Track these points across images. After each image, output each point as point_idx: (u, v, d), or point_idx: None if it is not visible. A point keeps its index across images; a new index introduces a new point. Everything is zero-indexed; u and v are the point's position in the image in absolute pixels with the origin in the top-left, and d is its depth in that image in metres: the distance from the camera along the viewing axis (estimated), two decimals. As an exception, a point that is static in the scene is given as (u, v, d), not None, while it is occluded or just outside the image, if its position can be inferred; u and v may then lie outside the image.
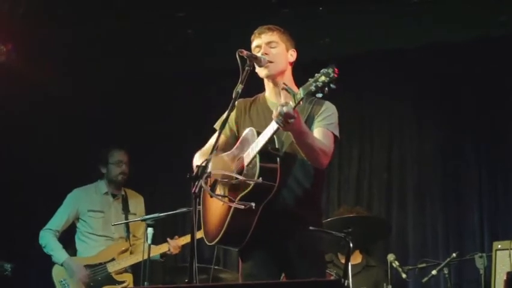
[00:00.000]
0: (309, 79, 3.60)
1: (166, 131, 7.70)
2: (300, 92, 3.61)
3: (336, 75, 3.52)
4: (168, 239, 6.41)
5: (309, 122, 4.05)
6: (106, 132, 7.77)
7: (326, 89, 3.54)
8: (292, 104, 3.64)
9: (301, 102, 3.65)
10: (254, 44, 4.21)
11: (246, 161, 3.96)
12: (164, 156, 7.66)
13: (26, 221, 7.26)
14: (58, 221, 6.55)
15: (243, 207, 3.78)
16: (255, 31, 4.24)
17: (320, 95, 3.59)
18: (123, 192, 6.73)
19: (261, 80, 4.24)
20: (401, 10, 6.35)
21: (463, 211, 6.74)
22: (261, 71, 4.14)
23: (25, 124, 7.51)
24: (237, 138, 4.22)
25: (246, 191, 3.83)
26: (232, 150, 4.16)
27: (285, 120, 3.65)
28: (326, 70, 3.54)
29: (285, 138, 3.99)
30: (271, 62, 4.11)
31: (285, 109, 3.63)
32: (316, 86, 3.54)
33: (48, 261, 6.46)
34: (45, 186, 7.64)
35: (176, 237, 6.46)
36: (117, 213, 6.62)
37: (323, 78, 3.53)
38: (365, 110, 7.27)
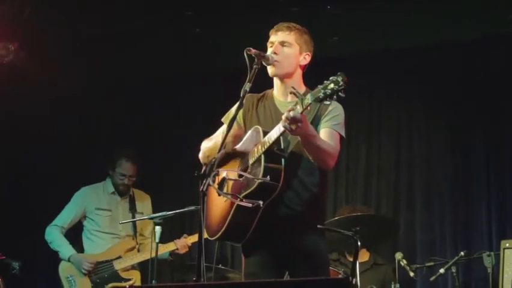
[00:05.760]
0: (318, 86, 3.59)
1: (174, 129, 7.72)
2: (308, 98, 3.60)
3: (345, 84, 3.51)
4: (175, 240, 6.44)
5: (316, 121, 4.05)
6: (113, 131, 7.82)
7: (335, 96, 3.53)
8: (299, 108, 3.64)
9: (308, 108, 3.66)
10: (270, 39, 4.20)
11: (251, 160, 3.97)
12: (172, 154, 7.67)
13: (33, 219, 7.29)
14: (65, 217, 6.59)
15: (250, 205, 3.78)
16: (275, 26, 4.22)
17: (327, 103, 3.61)
18: (131, 192, 6.77)
19: (270, 77, 4.22)
20: (410, 8, 6.33)
21: (471, 210, 6.73)
22: (268, 69, 4.14)
23: (30, 123, 7.55)
24: (243, 132, 4.22)
25: (250, 190, 3.83)
26: (238, 147, 4.16)
27: (292, 124, 3.66)
28: (336, 78, 3.53)
29: (291, 138, 3.99)
30: (277, 61, 4.10)
31: (292, 114, 3.64)
32: (324, 93, 3.54)
33: (56, 260, 6.50)
34: (50, 184, 7.71)
35: (185, 235, 6.49)
36: (124, 213, 6.66)
37: (332, 85, 3.52)
38: (373, 109, 7.26)
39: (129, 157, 6.65)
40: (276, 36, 4.18)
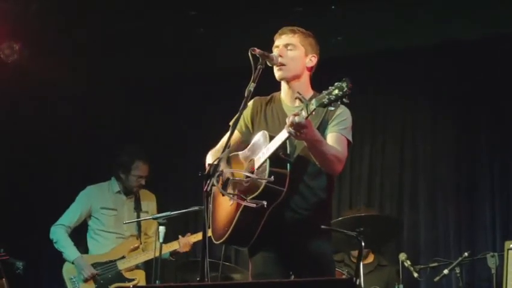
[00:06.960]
0: (323, 91, 3.59)
1: (174, 129, 7.71)
2: (313, 103, 3.60)
3: (349, 91, 3.50)
4: (180, 237, 6.41)
5: (323, 126, 4.04)
6: (113, 131, 7.81)
7: (339, 102, 3.53)
8: (304, 114, 3.64)
9: (313, 113, 3.64)
10: (275, 43, 4.20)
11: (256, 165, 3.96)
12: (172, 154, 7.67)
13: (34, 219, 7.28)
14: (71, 216, 6.54)
15: (254, 205, 3.77)
16: (279, 30, 4.22)
17: (331, 108, 3.61)
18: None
19: (275, 78, 4.20)
20: (414, 8, 6.31)
21: (475, 210, 6.71)
22: (275, 73, 4.13)
23: (30, 123, 7.53)
24: (251, 135, 4.20)
25: (255, 194, 3.82)
26: (245, 151, 4.15)
27: (297, 130, 3.66)
28: (340, 84, 3.53)
29: (298, 143, 3.98)
30: (283, 64, 4.09)
31: (297, 119, 3.64)
32: (329, 99, 3.53)
33: (59, 259, 6.47)
34: (51, 184, 7.69)
35: (189, 234, 6.45)
36: (129, 212, 6.62)
37: (336, 91, 3.52)
38: (377, 109, 7.25)
39: (144, 158, 6.61)
40: (281, 40, 4.18)
